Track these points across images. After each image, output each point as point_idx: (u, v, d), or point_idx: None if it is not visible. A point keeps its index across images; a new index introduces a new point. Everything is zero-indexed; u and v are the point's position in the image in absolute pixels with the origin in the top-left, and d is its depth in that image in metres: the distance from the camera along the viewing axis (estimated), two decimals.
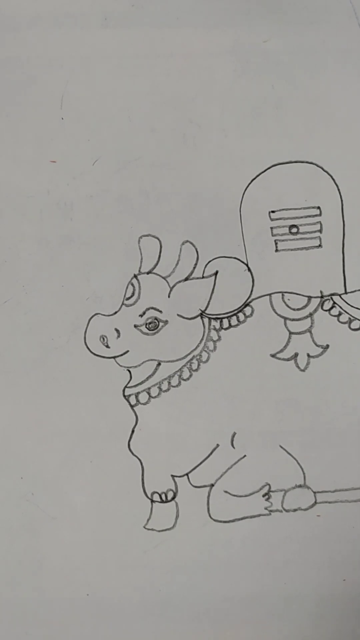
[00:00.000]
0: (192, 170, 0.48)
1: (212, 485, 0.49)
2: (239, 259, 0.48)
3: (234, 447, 0.48)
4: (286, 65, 0.48)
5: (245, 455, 0.49)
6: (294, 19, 0.48)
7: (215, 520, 0.49)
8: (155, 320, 0.48)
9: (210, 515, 0.49)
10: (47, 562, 0.49)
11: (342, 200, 0.48)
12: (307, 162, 0.48)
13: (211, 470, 0.49)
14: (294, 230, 0.48)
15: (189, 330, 0.48)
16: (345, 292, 0.49)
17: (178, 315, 0.48)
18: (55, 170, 0.48)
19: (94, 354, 0.48)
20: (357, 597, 0.49)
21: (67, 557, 0.49)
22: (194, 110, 0.48)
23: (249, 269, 0.48)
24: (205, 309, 0.48)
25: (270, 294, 0.48)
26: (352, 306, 0.49)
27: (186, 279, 0.48)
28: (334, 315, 0.49)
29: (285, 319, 0.49)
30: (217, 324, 0.48)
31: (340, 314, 0.49)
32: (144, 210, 0.48)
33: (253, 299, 0.48)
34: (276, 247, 0.48)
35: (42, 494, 0.48)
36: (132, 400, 0.48)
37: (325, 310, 0.49)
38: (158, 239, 0.48)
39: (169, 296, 0.48)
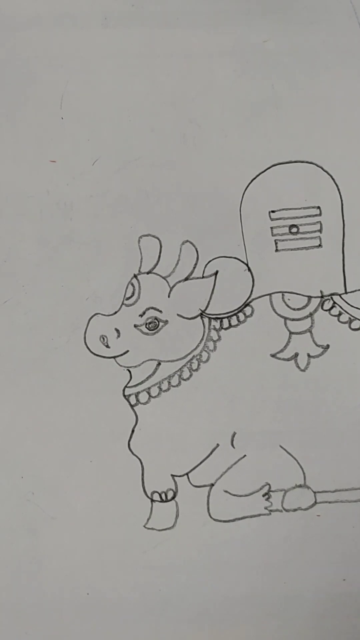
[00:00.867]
0: (192, 170, 0.48)
1: (212, 484, 0.49)
2: (239, 259, 0.48)
3: (234, 447, 0.48)
4: (286, 65, 0.48)
5: (245, 455, 0.49)
6: (294, 19, 0.48)
7: (215, 519, 0.49)
8: (155, 320, 0.48)
9: (210, 515, 0.49)
10: (47, 562, 0.49)
11: (342, 200, 0.48)
12: (307, 162, 0.48)
13: (211, 470, 0.49)
14: (294, 230, 0.48)
15: (189, 330, 0.48)
16: (346, 292, 0.49)
17: (178, 315, 0.48)
18: (55, 170, 0.48)
19: (94, 354, 0.48)
20: (357, 597, 0.49)
21: (67, 557, 0.49)
22: (194, 110, 0.48)
23: (249, 269, 0.48)
24: (205, 309, 0.48)
25: (270, 294, 0.48)
26: (352, 306, 0.49)
27: (186, 279, 0.48)
28: (334, 315, 0.49)
29: (286, 318, 0.49)
30: (217, 324, 0.48)
31: (340, 313, 0.49)
32: (144, 210, 0.48)
33: (253, 299, 0.48)
34: (276, 247, 0.48)
35: (42, 494, 0.48)
36: (132, 400, 0.48)
37: (326, 310, 0.49)
38: (158, 239, 0.48)
39: (169, 296, 0.48)
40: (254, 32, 0.48)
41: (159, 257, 0.48)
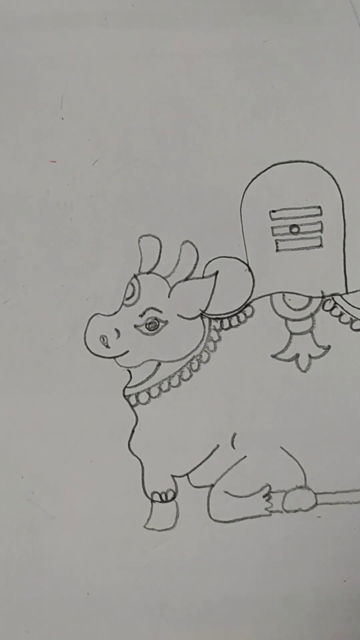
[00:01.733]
0: (192, 171, 0.48)
1: (213, 485, 0.49)
2: (239, 259, 0.48)
3: (234, 448, 0.48)
4: (286, 65, 0.48)
5: (245, 456, 0.49)
6: (294, 19, 0.48)
7: (215, 520, 0.49)
8: (155, 320, 0.48)
9: (210, 516, 0.49)
10: (47, 562, 0.49)
11: (342, 200, 0.48)
12: (307, 162, 0.48)
13: (211, 470, 0.49)
14: (295, 230, 0.48)
15: (189, 331, 0.48)
16: (347, 292, 0.49)
17: (178, 315, 0.48)
18: (55, 170, 0.48)
19: (94, 354, 0.48)
20: (357, 598, 0.49)
21: (67, 557, 0.49)
22: (194, 110, 0.48)
23: (250, 269, 0.48)
24: (206, 309, 0.48)
25: (271, 294, 0.48)
26: (353, 306, 0.48)
27: (186, 279, 0.48)
28: (335, 316, 0.49)
29: (286, 319, 0.48)
30: (217, 324, 0.48)
31: (341, 314, 0.49)
32: (144, 210, 0.48)
33: (254, 299, 0.48)
34: (277, 247, 0.48)
35: (42, 494, 0.49)
36: (132, 400, 0.48)
37: (327, 311, 0.49)
38: (158, 239, 0.48)
39: (169, 296, 0.48)
40: (254, 32, 0.48)
41: (159, 257, 0.48)
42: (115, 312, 0.48)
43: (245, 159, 0.48)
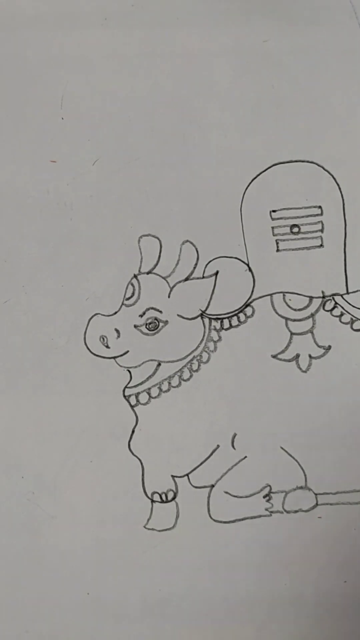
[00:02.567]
0: (192, 170, 0.48)
1: (213, 485, 0.49)
2: (239, 259, 0.48)
3: (234, 448, 0.48)
4: (286, 65, 0.48)
5: (246, 457, 0.48)
6: (294, 19, 0.48)
7: (215, 520, 0.49)
8: (155, 321, 0.48)
9: (210, 516, 0.49)
10: (47, 562, 0.49)
11: (343, 200, 0.48)
12: (307, 162, 0.48)
13: (212, 470, 0.49)
14: (295, 230, 0.48)
15: (189, 331, 0.48)
16: (347, 292, 0.49)
17: (178, 315, 0.48)
18: (55, 170, 0.48)
19: (94, 354, 0.48)
20: (357, 599, 0.49)
21: (67, 557, 0.49)
22: (194, 110, 0.48)
23: (250, 269, 0.48)
24: (206, 309, 0.48)
25: (271, 294, 0.48)
26: (354, 306, 0.48)
27: (186, 279, 0.48)
28: (336, 316, 0.49)
29: (287, 319, 0.48)
30: (217, 324, 0.48)
31: (342, 314, 0.48)
32: (144, 210, 0.48)
33: (254, 299, 0.48)
34: (277, 247, 0.48)
35: (42, 494, 0.49)
36: (132, 400, 0.48)
37: (327, 311, 0.48)
38: (158, 239, 0.48)
39: (169, 296, 0.48)
40: (254, 32, 0.48)
41: (159, 257, 0.48)
42: (115, 312, 0.48)
43: (245, 159, 0.48)
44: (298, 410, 0.48)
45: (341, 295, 0.48)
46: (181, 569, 0.49)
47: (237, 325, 0.48)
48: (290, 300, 0.48)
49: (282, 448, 0.49)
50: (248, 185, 0.48)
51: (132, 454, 0.48)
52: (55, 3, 0.48)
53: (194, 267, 0.48)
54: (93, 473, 0.48)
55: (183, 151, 0.48)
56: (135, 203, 0.48)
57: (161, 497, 0.49)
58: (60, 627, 0.49)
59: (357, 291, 0.48)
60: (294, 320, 0.48)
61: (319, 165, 0.48)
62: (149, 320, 0.48)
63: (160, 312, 0.48)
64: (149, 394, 0.48)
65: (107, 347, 0.48)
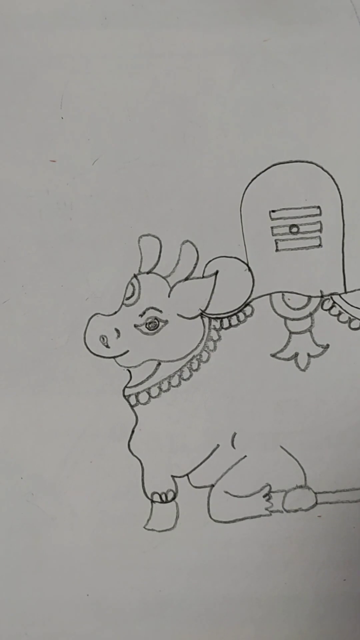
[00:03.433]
0: (192, 170, 0.48)
1: (213, 485, 0.49)
2: (239, 259, 0.48)
3: (234, 448, 0.48)
4: (286, 65, 0.48)
5: (245, 456, 0.49)
6: (294, 19, 0.48)
7: (215, 520, 0.49)
8: (155, 320, 0.48)
9: (210, 516, 0.49)
10: (47, 562, 0.49)
11: (342, 200, 0.48)
12: (307, 162, 0.48)
13: (211, 470, 0.49)
14: (294, 229, 0.48)
15: (189, 330, 0.48)
16: (345, 292, 0.49)
17: (178, 315, 0.48)
18: (55, 170, 0.48)
19: (94, 354, 0.48)
20: (357, 597, 0.49)
21: (67, 557, 0.49)
22: (194, 110, 0.48)
23: (249, 269, 0.48)
24: (206, 309, 0.48)
25: (270, 294, 0.48)
26: (352, 305, 0.49)
27: (186, 279, 0.48)
28: (334, 315, 0.49)
29: (286, 318, 0.49)
30: (217, 324, 0.48)
31: (340, 313, 0.49)
32: (144, 210, 0.48)
33: (253, 299, 0.48)
34: (276, 246, 0.48)
35: (42, 494, 0.48)
36: (132, 400, 0.48)
37: (325, 310, 0.49)
38: (158, 239, 0.48)
39: (169, 296, 0.48)
40: (254, 32, 0.48)
41: (159, 257, 0.48)
42: (115, 312, 0.48)
43: (245, 159, 0.48)
44: (297, 408, 0.49)
45: (339, 295, 0.49)
46: (181, 569, 0.49)
47: (237, 325, 0.48)
48: (289, 299, 0.48)
49: (281, 447, 0.49)
50: (248, 185, 0.48)
51: (132, 454, 0.48)
52: (55, 3, 0.48)
53: (194, 267, 0.48)
54: (93, 473, 0.48)
55: (183, 151, 0.48)
56: (135, 203, 0.48)
57: (161, 498, 0.49)
58: (60, 628, 0.49)
59: (355, 290, 0.49)
60: (293, 319, 0.49)
61: (318, 165, 0.48)
62: (149, 320, 0.48)
63: (160, 311, 0.48)
64: (148, 393, 0.48)
65: (107, 346, 0.48)
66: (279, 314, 0.48)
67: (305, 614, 0.49)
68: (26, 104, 0.48)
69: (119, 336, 0.48)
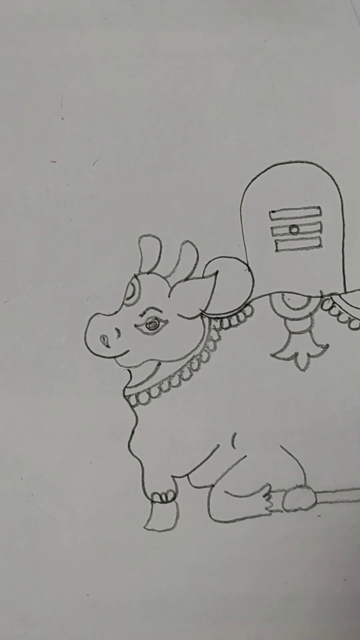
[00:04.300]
0: (192, 171, 0.48)
1: (213, 485, 0.49)
2: (239, 259, 0.48)
3: (234, 448, 0.48)
4: (286, 65, 0.48)
5: (245, 456, 0.49)
6: (294, 19, 0.48)
7: (215, 520, 0.49)
8: (156, 320, 0.48)
9: (210, 516, 0.49)
10: (47, 562, 0.49)
11: (342, 200, 0.48)
12: (307, 162, 0.48)
13: (211, 470, 0.49)
14: (294, 230, 0.48)
15: (189, 330, 0.48)
16: (345, 292, 0.49)
17: (178, 315, 0.48)
18: (55, 170, 0.48)
19: (94, 354, 0.48)
20: (357, 597, 0.49)
21: (67, 557, 0.49)
22: (194, 110, 0.48)
23: (249, 269, 0.48)
24: (206, 309, 0.48)
25: (270, 294, 0.48)
26: (351, 306, 0.49)
27: (186, 279, 0.48)
28: (334, 315, 0.49)
29: (285, 318, 0.49)
30: (217, 324, 0.48)
31: (340, 313, 0.49)
32: (144, 210, 0.48)
33: (253, 299, 0.48)
34: (276, 247, 0.48)
35: (42, 495, 0.48)
36: (132, 400, 0.48)
37: (325, 310, 0.49)
38: (158, 239, 0.48)
39: (169, 296, 0.48)
40: (254, 32, 0.48)
41: (159, 257, 0.48)
42: (116, 312, 0.48)
43: (245, 159, 0.48)
44: (297, 408, 0.49)
45: (339, 295, 0.49)
46: (181, 569, 0.49)
47: (237, 325, 0.48)
48: (289, 299, 0.48)
49: (281, 447, 0.49)
50: (248, 186, 0.48)
51: (132, 454, 0.48)
52: (55, 3, 0.48)
53: (194, 267, 0.48)
54: (93, 474, 0.48)
55: (183, 151, 0.48)
56: (135, 203, 0.48)
57: (161, 498, 0.49)
58: (60, 628, 0.49)
59: (354, 291, 0.49)
60: (293, 319, 0.49)
61: (318, 165, 0.48)
62: (149, 320, 0.48)
63: (161, 311, 0.48)
64: (149, 393, 0.48)
65: (108, 346, 0.48)
66: (278, 314, 0.48)
67: (305, 614, 0.49)
68: (26, 104, 0.48)
69: (119, 336, 0.48)
